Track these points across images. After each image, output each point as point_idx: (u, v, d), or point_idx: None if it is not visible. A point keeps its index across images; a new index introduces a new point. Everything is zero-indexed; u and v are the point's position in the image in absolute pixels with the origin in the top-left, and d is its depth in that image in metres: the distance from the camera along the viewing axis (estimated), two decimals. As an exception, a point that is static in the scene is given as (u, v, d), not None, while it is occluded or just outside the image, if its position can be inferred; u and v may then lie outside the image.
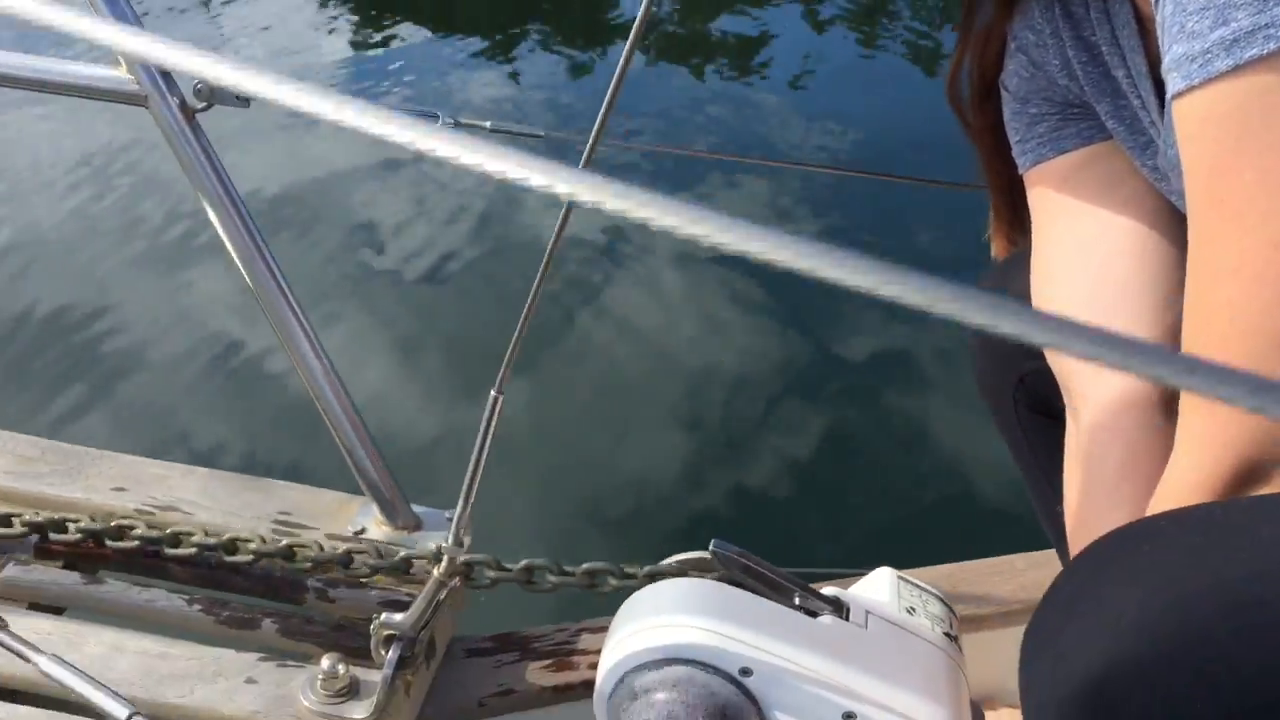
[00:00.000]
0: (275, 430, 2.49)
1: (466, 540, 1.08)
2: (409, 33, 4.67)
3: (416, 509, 1.24)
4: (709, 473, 2.37)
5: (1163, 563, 0.54)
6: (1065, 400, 0.97)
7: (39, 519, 1.22)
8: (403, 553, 1.16)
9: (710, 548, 1.01)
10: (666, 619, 0.95)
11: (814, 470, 2.39)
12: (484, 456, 0.99)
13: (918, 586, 1.08)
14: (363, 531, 1.22)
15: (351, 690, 1.04)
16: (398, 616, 1.02)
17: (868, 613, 1.00)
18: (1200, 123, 0.61)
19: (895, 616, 1.01)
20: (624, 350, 2.74)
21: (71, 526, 1.21)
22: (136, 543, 1.19)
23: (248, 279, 1.11)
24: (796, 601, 0.99)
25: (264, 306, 1.13)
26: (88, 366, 2.73)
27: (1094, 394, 0.91)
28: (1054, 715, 0.52)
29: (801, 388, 2.63)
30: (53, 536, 1.23)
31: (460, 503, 1.00)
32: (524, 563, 1.10)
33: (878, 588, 1.06)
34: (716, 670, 0.92)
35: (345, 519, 1.25)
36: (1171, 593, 0.52)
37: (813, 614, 0.98)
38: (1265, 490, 0.61)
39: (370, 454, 1.20)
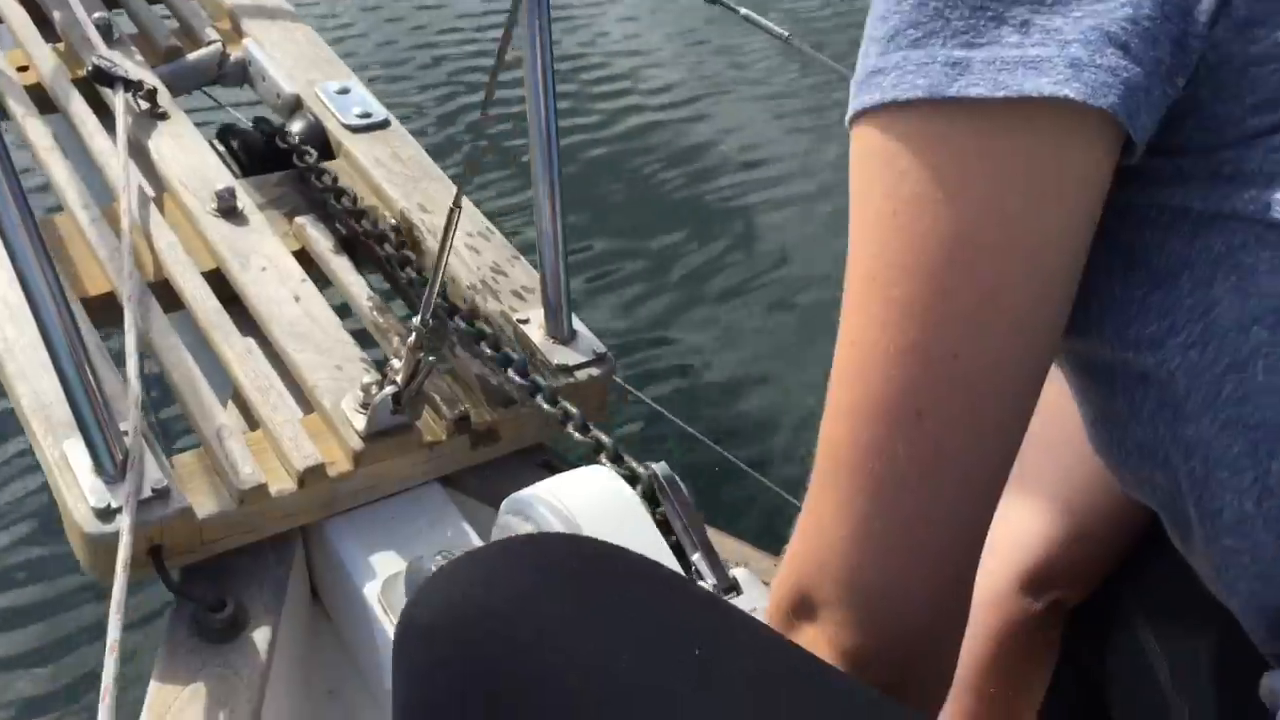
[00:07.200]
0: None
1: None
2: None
3: (579, 328, 1.25)
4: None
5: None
6: None
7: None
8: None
9: (655, 465, 0.97)
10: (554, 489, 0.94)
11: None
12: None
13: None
14: (526, 321, 1.25)
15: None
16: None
17: (756, 608, 0.93)
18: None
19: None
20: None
21: None
22: None
23: None
24: (693, 557, 0.94)
25: None
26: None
27: None
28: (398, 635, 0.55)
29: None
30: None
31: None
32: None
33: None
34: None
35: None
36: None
37: (693, 579, 0.93)
38: (808, 628, 0.55)
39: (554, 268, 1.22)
